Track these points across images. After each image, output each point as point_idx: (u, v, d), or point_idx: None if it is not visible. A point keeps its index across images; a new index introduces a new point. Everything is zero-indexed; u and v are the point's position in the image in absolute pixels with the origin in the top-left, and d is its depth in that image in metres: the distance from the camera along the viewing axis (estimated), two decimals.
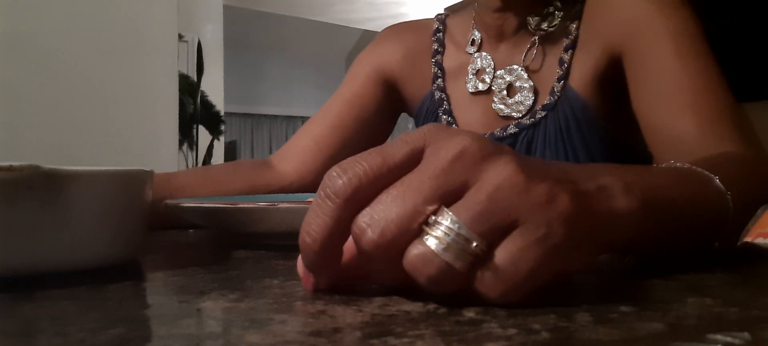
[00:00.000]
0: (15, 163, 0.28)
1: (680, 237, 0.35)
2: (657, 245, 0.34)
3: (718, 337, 0.19)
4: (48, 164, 0.29)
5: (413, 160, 0.24)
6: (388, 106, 0.82)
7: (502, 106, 0.70)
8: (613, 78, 0.65)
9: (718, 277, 0.30)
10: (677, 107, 0.58)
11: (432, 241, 0.22)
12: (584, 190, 0.25)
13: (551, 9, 0.69)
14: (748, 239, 0.42)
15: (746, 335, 0.19)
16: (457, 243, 0.22)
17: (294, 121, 8.10)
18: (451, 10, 0.86)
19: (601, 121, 0.67)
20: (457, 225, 0.22)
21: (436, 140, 0.24)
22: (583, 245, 0.24)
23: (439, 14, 0.83)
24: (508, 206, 0.23)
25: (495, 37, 0.72)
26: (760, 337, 0.19)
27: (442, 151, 0.23)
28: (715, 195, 0.37)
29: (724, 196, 0.38)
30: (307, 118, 0.84)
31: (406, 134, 0.25)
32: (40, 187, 0.29)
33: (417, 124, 0.81)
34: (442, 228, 0.22)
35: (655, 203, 0.31)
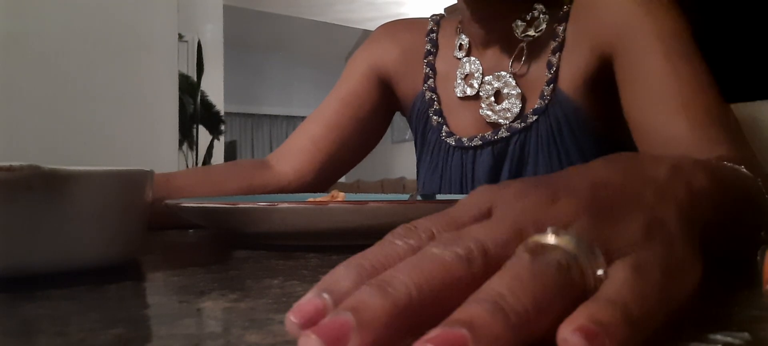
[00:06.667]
0: (15, 164, 0.28)
1: (738, 227, 0.35)
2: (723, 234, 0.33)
3: (718, 337, 0.19)
4: (48, 164, 0.29)
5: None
6: (383, 105, 0.82)
7: (489, 113, 0.70)
8: (603, 79, 0.65)
9: (718, 277, 0.30)
10: (669, 110, 0.58)
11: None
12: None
13: (536, 13, 0.68)
14: None
15: (746, 335, 0.19)
16: None
17: (294, 121, 8.10)
18: (450, 10, 0.86)
19: (593, 122, 0.67)
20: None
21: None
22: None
23: (434, 15, 0.83)
24: None
25: (481, 45, 0.73)
26: (760, 337, 0.19)
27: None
28: (757, 191, 0.39)
29: (762, 194, 0.39)
30: None
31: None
32: (40, 187, 0.29)
33: (410, 124, 0.82)
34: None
35: (725, 183, 0.31)
